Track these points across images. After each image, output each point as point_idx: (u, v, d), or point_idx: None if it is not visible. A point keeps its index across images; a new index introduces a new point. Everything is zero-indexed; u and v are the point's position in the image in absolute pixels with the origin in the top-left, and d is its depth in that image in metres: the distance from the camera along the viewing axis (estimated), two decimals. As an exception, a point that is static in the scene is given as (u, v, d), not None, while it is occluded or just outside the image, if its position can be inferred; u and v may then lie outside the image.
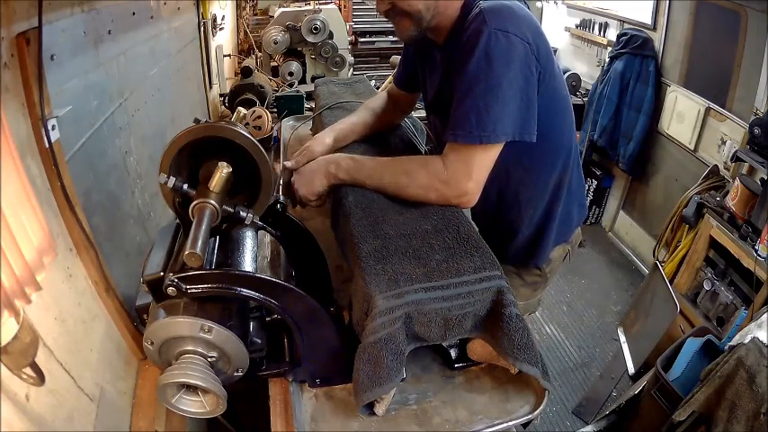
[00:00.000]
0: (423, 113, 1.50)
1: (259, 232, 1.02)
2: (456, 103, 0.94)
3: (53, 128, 0.89)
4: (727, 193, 2.18)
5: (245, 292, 0.75)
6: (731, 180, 2.27)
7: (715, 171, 2.43)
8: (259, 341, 0.84)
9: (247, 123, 2.00)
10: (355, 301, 0.81)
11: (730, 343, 1.51)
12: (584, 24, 3.55)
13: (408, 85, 1.32)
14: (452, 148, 0.95)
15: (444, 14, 1.01)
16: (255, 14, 3.72)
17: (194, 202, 0.74)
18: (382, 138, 1.29)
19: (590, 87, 3.34)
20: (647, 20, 2.91)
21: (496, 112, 0.90)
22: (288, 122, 1.86)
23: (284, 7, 3.02)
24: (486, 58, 0.89)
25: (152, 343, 0.72)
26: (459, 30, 0.97)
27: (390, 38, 3.79)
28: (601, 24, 3.39)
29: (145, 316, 0.78)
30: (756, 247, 1.86)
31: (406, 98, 1.36)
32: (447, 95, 0.99)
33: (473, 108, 0.91)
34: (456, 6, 1.00)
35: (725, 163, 2.41)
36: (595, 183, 3.44)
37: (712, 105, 2.50)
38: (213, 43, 2.63)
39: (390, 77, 2.52)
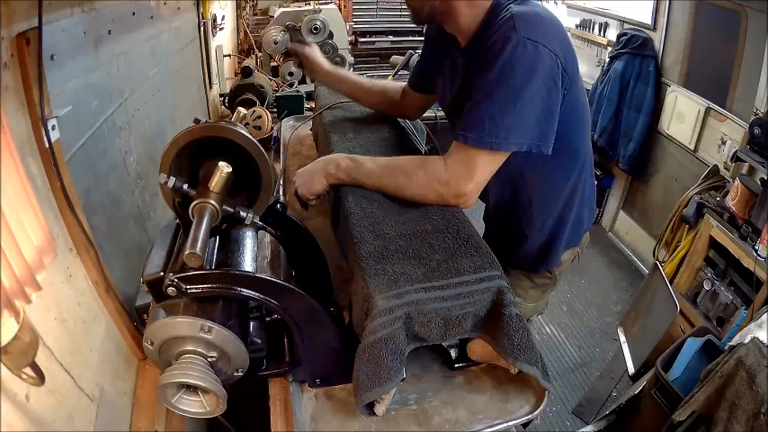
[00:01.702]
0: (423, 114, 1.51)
1: (259, 232, 1.02)
2: (472, 105, 0.92)
3: (53, 128, 0.89)
4: (727, 193, 2.18)
5: (246, 292, 0.75)
6: (731, 180, 2.27)
7: (715, 171, 2.42)
8: (259, 341, 0.84)
9: (247, 123, 1.99)
10: (355, 301, 0.81)
11: (730, 343, 1.51)
12: (585, 24, 3.55)
13: (422, 87, 1.32)
14: (459, 148, 0.94)
15: (463, 17, 1.00)
16: (255, 14, 3.71)
17: (194, 202, 0.74)
18: (382, 138, 1.29)
19: (590, 87, 3.34)
20: (647, 20, 2.91)
21: (511, 121, 0.89)
22: (288, 122, 1.86)
23: (284, 7, 3.01)
24: (511, 66, 0.87)
25: (152, 343, 0.72)
26: (486, 33, 0.95)
27: (390, 38, 3.80)
28: (601, 24, 3.39)
29: (145, 316, 0.78)
30: (756, 247, 1.86)
31: (417, 100, 1.35)
32: (467, 98, 0.97)
33: (488, 113, 0.89)
34: (482, 8, 0.98)
35: (725, 163, 2.41)
36: (595, 183, 3.43)
37: (712, 105, 2.50)
38: (213, 43, 2.63)
39: (390, 78, 2.53)
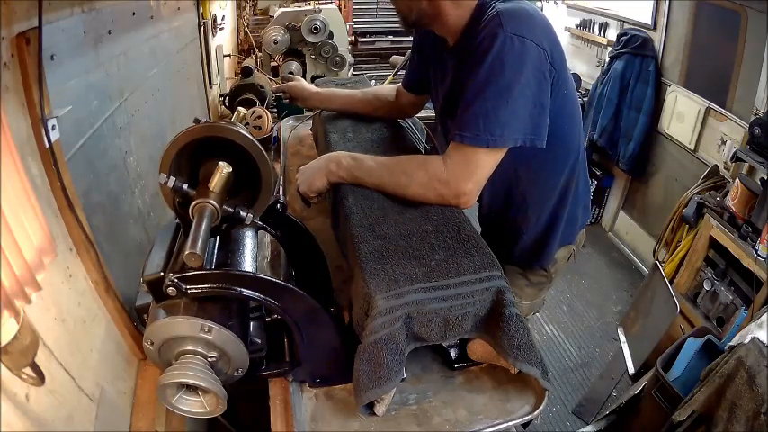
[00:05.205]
0: (423, 114, 1.52)
1: (259, 232, 1.02)
2: (465, 104, 0.93)
3: (53, 128, 0.89)
4: (727, 193, 2.18)
5: (246, 292, 0.75)
6: (731, 180, 2.26)
7: (715, 171, 2.42)
8: (259, 341, 0.83)
9: (247, 123, 1.99)
10: (355, 301, 0.81)
11: (730, 343, 1.51)
12: (584, 24, 3.55)
13: (415, 87, 1.34)
14: (456, 148, 0.95)
15: (449, 17, 1.01)
16: (255, 14, 3.71)
17: (194, 202, 0.74)
18: (382, 137, 1.29)
19: (590, 87, 3.34)
20: (647, 20, 2.91)
21: (505, 117, 0.89)
22: (288, 122, 1.86)
23: (284, 7, 3.02)
24: (500, 63, 0.88)
25: (152, 343, 0.72)
26: (473, 32, 0.96)
27: (390, 38, 3.79)
28: (601, 24, 3.39)
29: (145, 316, 0.78)
30: (756, 247, 1.86)
31: (413, 98, 1.38)
32: (459, 97, 0.98)
33: (482, 111, 0.90)
34: (468, 8, 0.99)
35: (725, 163, 2.41)
36: (595, 183, 3.43)
37: (712, 105, 2.50)
38: (213, 43, 2.63)
39: (390, 78, 2.54)
